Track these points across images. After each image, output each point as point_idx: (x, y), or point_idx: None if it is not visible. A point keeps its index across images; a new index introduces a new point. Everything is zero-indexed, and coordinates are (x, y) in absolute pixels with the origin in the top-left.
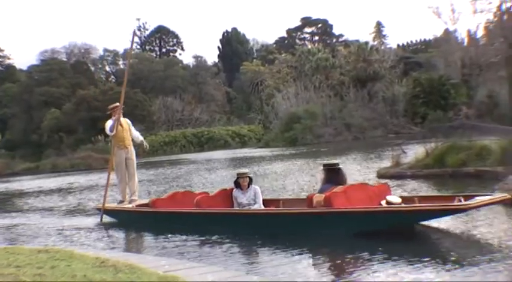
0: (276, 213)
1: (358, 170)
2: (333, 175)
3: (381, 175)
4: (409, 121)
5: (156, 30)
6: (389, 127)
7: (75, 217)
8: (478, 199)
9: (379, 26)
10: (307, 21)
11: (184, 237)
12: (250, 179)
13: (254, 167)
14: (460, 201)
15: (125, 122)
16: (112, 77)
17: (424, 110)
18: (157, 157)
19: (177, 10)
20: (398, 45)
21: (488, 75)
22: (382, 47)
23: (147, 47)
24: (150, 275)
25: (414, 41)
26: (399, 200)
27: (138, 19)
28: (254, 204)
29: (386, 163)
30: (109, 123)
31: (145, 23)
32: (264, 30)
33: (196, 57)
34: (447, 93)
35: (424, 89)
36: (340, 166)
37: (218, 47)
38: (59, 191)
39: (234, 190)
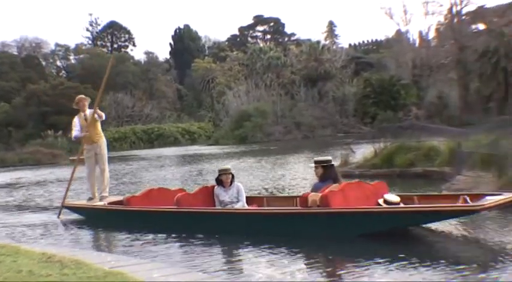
0: (269, 213)
1: (306, 169)
2: (327, 172)
3: None
4: (358, 121)
5: (108, 26)
6: (339, 126)
7: (24, 213)
8: (490, 199)
9: (331, 25)
10: (259, 20)
11: (140, 234)
12: (233, 176)
13: (205, 164)
14: (466, 200)
15: (92, 117)
16: (63, 72)
17: (374, 110)
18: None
19: (130, 5)
20: (350, 45)
21: (438, 77)
22: (334, 47)
23: (98, 43)
24: (95, 270)
25: (366, 41)
26: (398, 199)
27: (90, 14)
28: (237, 202)
29: (335, 162)
30: (76, 127)
31: (97, 18)
32: (216, 27)
33: (147, 53)
34: (397, 93)
35: (374, 89)
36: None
37: (170, 44)
38: (7, 186)
39: (216, 187)
